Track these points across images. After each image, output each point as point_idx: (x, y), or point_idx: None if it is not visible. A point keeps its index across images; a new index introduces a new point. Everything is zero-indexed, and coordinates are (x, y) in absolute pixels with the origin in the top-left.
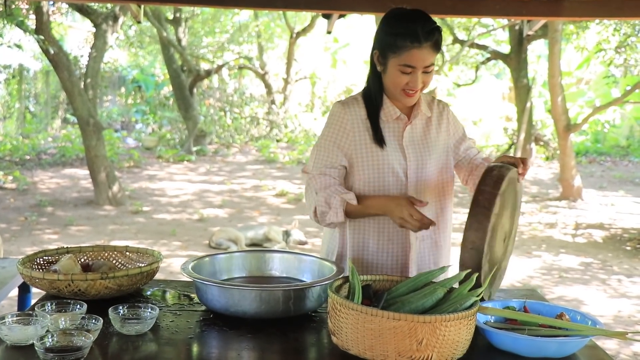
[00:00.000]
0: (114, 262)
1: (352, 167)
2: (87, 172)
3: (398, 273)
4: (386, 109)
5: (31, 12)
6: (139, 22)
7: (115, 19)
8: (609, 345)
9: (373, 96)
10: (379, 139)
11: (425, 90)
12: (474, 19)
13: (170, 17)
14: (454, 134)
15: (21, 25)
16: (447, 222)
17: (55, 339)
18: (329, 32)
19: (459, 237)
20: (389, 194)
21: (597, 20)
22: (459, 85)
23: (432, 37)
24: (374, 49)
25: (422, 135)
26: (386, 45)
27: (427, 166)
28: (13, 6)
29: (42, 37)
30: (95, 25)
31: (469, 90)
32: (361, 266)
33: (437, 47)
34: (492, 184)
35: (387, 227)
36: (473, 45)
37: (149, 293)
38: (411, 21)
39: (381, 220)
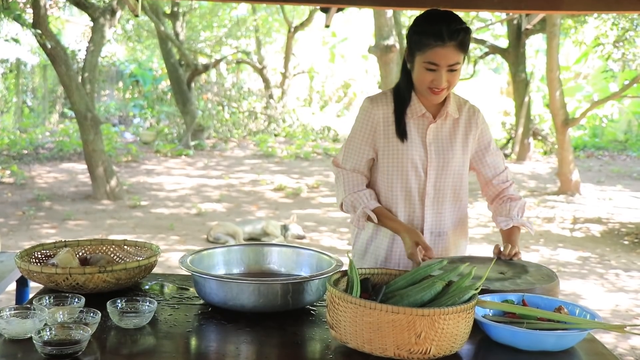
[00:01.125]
0: (112, 255)
1: (377, 160)
2: (85, 166)
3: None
4: (413, 106)
5: (28, 5)
6: (136, 16)
7: (113, 13)
8: (606, 339)
9: (402, 93)
10: (401, 132)
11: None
12: (472, 13)
13: (168, 11)
14: (480, 140)
15: (18, 19)
16: (464, 221)
17: (54, 332)
18: (327, 26)
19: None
20: (409, 188)
21: (595, 15)
22: None
23: (457, 37)
24: (406, 47)
25: (447, 135)
26: (413, 43)
27: (448, 166)
28: (10, 0)
29: (39, 31)
30: (93, 19)
31: (467, 85)
32: (377, 259)
33: (462, 46)
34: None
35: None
36: (471, 39)
37: (147, 287)
38: (437, 21)
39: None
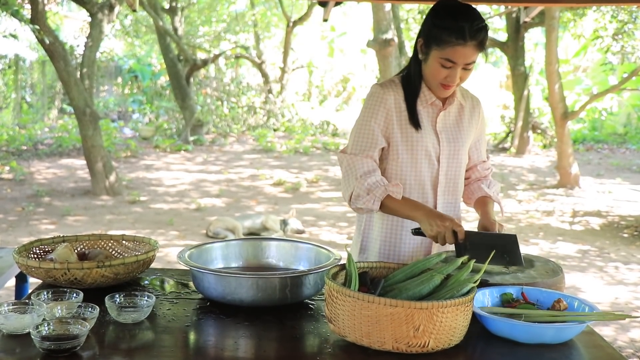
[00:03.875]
0: (111, 250)
1: (388, 149)
2: (84, 162)
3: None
4: (422, 94)
5: (26, 1)
6: (134, 11)
7: (111, 8)
8: (606, 331)
9: (412, 81)
10: (415, 121)
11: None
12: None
13: (166, 6)
14: (479, 129)
15: (16, 14)
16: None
17: (52, 327)
18: (325, 20)
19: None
20: (422, 178)
21: (594, 7)
22: None
23: (478, 36)
24: (419, 36)
25: (455, 122)
26: (431, 36)
27: (458, 154)
28: None
29: (37, 27)
30: (91, 15)
31: None
32: (388, 254)
33: (481, 46)
34: None
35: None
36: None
37: (147, 282)
38: (460, 17)
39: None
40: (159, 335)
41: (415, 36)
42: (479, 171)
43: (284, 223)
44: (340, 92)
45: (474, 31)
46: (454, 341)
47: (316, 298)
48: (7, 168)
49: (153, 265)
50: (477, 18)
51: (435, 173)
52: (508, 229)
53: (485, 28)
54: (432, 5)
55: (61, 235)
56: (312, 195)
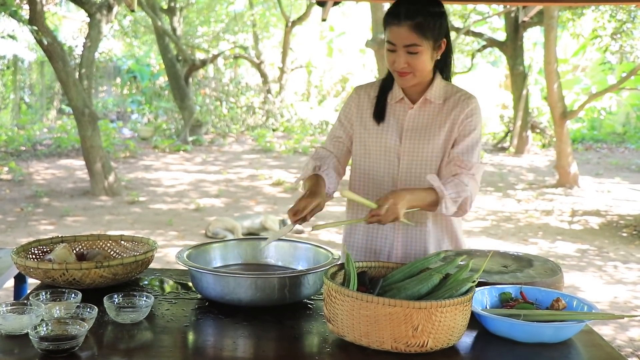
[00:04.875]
0: (109, 251)
1: (353, 144)
2: (83, 162)
3: (385, 259)
4: (393, 91)
5: (25, 1)
6: (133, 12)
7: (110, 8)
8: (605, 330)
9: (387, 78)
10: (378, 114)
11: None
12: (470, 6)
13: (165, 6)
14: (460, 129)
15: (14, 15)
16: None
17: (50, 327)
18: (324, 20)
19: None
20: (380, 172)
21: (592, 7)
22: (454, 73)
23: (414, 17)
24: None
25: (426, 122)
26: (383, 25)
27: (423, 152)
28: None
29: (36, 28)
30: (90, 15)
31: (465, 78)
32: (365, 253)
33: (419, 28)
34: None
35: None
36: (469, 32)
37: (146, 282)
38: (402, 1)
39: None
40: (157, 336)
41: None
42: (450, 169)
43: (283, 223)
44: (339, 92)
45: (409, 11)
46: (453, 341)
47: (315, 298)
48: (6, 169)
49: (152, 265)
50: (419, 2)
51: (395, 169)
52: (507, 228)
53: (429, 13)
54: None
55: (60, 236)
56: None
